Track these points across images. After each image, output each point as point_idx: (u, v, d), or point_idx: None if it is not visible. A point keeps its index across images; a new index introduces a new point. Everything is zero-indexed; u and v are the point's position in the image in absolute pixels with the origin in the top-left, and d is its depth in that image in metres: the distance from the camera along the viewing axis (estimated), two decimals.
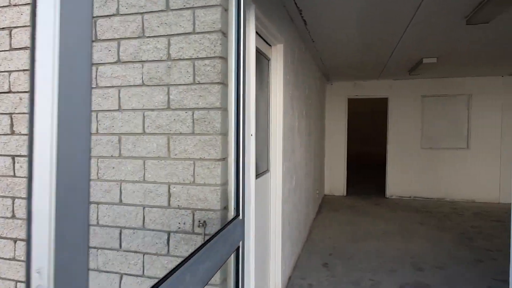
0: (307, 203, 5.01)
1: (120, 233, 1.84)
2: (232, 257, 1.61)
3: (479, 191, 7.45)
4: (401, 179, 7.85)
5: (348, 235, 5.19)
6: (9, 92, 2.00)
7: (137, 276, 1.82)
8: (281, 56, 3.14)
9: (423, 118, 7.75)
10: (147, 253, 1.80)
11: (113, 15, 1.82)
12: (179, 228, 1.75)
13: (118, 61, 1.82)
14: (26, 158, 1.78)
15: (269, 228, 3.11)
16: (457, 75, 7.31)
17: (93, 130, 1.87)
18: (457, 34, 4.10)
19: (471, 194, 7.50)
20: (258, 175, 2.70)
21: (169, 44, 1.74)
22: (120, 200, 1.84)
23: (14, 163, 2.00)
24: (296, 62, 3.97)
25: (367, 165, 13.92)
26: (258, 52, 2.68)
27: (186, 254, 1.25)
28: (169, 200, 1.76)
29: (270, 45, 3.05)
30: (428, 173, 7.71)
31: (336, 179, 8.23)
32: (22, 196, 2.01)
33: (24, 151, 2.00)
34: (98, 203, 1.87)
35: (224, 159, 1.72)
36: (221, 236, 1.38)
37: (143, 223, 1.80)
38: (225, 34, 1.70)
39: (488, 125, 7.41)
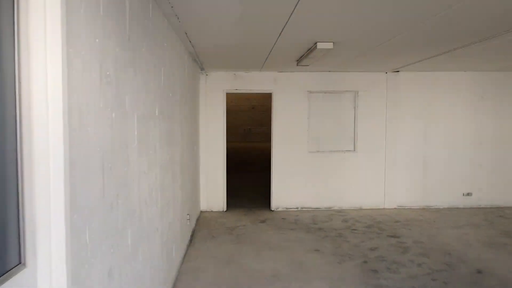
0: (164, 251, 3.34)
1: None
2: None
3: (366, 197, 6.88)
4: (287, 188, 6.80)
5: (228, 286, 3.71)
6: None
7: None
8: None
9: (310, 118, 6.82)
10: None
11: None
12: None
13: None
14: None
15: None
16: (344, 70, 6.53)
17: None
18: (356, 15, 2.96)
19: (358, 200, 6.88)
20: None
21: None
22: None
23: None
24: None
25: (254, 165, 12.91)
26: None
27: None
28: None
29: None
30: (316, 180, 6.83)
31: (213, 191, 6.75)
32: None
33: None
34: None
35: None
36: None
37: None
38: None
39: (374, 124, 6.86)
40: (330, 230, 5.52)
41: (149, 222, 2.69)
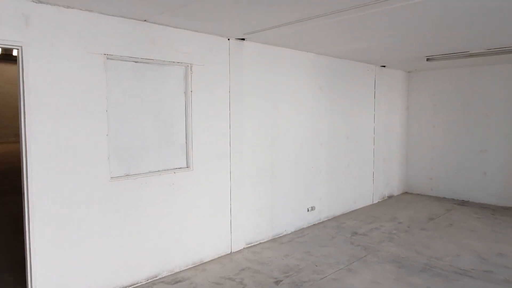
0: None
1: None
2: None
3: (207, 242, 4.20)
4: (70, 255, 3.15)
5: None
6: None
7: None
8: None
9: (111, 110, 3.39)
10: None
11: None
12: None
13: None
14: None
15: None
16: (170, 23, 3.52)
17: None
18: None
19: (198, 251, 4.10)
20: None
21: None
22: None
23: None
24: None
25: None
26: None
27: None
28: None
29: None
30: (127, 234, 3.51)
31: None
32: None
33: None
34: None
35: None
36: None
37: None
38: None
39: (215, 122, 4.23)
40: None
41: None
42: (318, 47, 4.93)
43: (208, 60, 4.08)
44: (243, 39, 4.39)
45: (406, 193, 7.79)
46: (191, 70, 3.93)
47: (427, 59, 5.78)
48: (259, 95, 4.68)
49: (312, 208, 5.53)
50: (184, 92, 3.94)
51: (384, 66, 6.88)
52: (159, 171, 3.75)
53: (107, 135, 3.32)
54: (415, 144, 7.73)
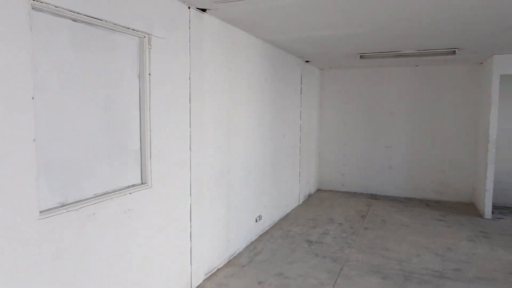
0: None
1: None
2: None
3: (167, 284, 3.06)
4: None
5: None
6: None
7: None
8: None
9: (39, 105, 1.99)
10: None
11: None
12: None
13: None
14: None
15: None
16: None
17: None
18: None
19: None
20: None
21: None
22: None
23: None
24: None
25: None
26: None
27: None
28: None
29: None
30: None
31: None
32: None
33: None
34: None
35: None
36: None
37: None
38: None
39: (177, 117, 3.10)
40: None
41: None
42: (270, 32, 4.24)
43: (170, 32, 2.93)
44: (204, 10, 3.35)
45: (319, 190, 7.82)
46: (149, 43, 2.72)
47: (361, 57, 5.74)
48: (218, 85, 3.71)
49: (260, 218, 4.83)
50: (139, 76, 2.71)
51: (308, 62, 6.63)
52: (110, 192, 2.46)
53: (34, 140, 1.93)
54: (328, 141, 7.81)
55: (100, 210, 2.36)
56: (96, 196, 2.36)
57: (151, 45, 2.73)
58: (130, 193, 2.60)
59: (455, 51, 5.24)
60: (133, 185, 2.69)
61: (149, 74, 2.73)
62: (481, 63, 6.53)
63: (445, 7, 3.19)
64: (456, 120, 6.86)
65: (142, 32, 2.65)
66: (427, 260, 4.18)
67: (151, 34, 2.72)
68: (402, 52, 5.48)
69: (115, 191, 2.51)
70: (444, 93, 6.89)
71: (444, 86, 6.88)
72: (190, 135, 3.26)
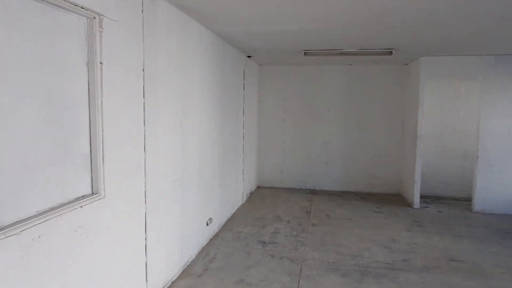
0: None
1: None
2: None
3: None
4: None
5: None
6: None
7: None
8: None
9: None
10: None
11: None
12: None
13: None
14: None
15: None
16: None
17: None
18: None
19: None
20: None
21: None
22: None
23: None
24: None
25: None
26: None
27: None
28: None
29: None
30: None
31: None
32: None
33: None
34: None
35: None
36: None
37: None
38: None
39: (131, 114, 2.67)
40: None
41: None
42: (222, 23, 3.96)
43: (123, 15, 2.50)
44: None
45: (259, 187, 7.74)
46: (100, 26, 2.27)
47: (305, 53, 5.74)
48: (171, 78, 3.33)
49: (210, 221, 4.54)
50: (87, 64, 2.25)
51: (250, 57, 6.45)
52: (57, 208, 1.99)
53: None
54: (267, 138, 7.74)
55: (47, 231, 1.89)
56: (40, 214, 1.89)
57: (102, 28, 2.28)
58: (81, 207, 2.15)
59: (392, 51, 5.51)
60: (83, 196, 2.23)
61: (100, 63, 2.28)
62: (407, 64, 7.02)
63: (381, 8, 3.24)
64: (384, 117, 7.29)
65: (92, 11, 2.19)
66: (376, 253, 4.32)
67: (102, 15, 2.27)
68: (344, 50, 5.60)
69: (63, 205, 2.04)
70: (374, 92, 7.27)
71: (374, 85, 7.26)
72: (144, 134, 2.86)
